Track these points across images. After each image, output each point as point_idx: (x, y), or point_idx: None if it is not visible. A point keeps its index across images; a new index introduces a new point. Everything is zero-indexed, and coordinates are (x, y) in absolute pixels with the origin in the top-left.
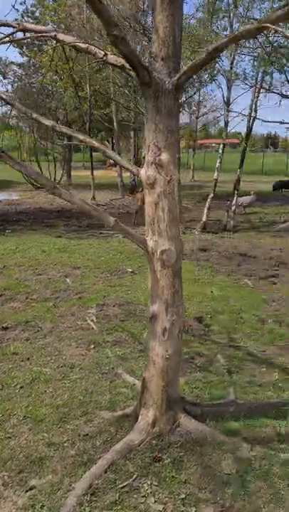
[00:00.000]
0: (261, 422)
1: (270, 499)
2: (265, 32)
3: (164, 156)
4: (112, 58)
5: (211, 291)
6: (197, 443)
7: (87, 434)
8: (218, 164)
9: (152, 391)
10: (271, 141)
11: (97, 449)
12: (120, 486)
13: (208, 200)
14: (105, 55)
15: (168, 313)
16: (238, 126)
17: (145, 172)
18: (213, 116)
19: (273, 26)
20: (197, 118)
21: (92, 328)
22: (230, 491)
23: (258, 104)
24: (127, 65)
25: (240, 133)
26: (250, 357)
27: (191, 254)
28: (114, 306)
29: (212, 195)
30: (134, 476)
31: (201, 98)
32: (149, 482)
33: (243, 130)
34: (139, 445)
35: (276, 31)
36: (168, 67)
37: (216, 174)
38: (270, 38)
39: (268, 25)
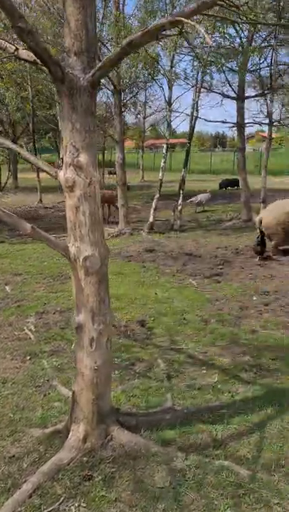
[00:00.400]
0: (198, 428)
1: (202, 511)
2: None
3: (83, 157)
4: (24, 53)
5: (155, 293)
6: (130, 456)
7: (13, 456)
8: (162, 164)
9: (82, 405)
10: (220, 141)
11: (24, 472)
12: (45, 511)
13: (154, 200)
14: (16, 49)
15: (94, 322)
16: (182, 126)
17: (64, 174)
18: (160, 116)
19: (187, 20)
20: (144, 118)
21: (30, 338)
22: (163, 505)
23: (199, 103)
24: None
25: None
26: (190, 359)
27: (137, 255)
28: (54, 313)
29: (158, 195)
30: (62, 498)
31: (146, 98)
32: (76, 504)
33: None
34: (69, 464)
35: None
36: (82, 63)
37: (160, 174)
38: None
39: (182, 18)
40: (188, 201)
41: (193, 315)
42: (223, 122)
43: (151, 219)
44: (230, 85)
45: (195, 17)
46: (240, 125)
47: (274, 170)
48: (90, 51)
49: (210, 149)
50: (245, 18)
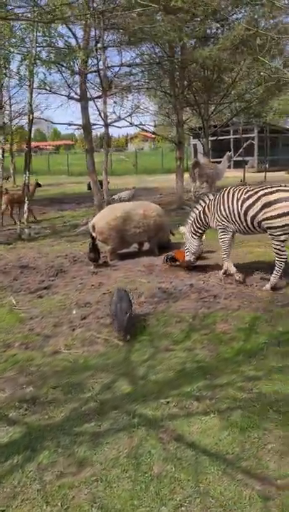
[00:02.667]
0: None
1: None
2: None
3: None
4: None
5: None
6: None
7: None
8: None
9: None
10: (105, 142)
11: None
12: None
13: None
14: None
15: None
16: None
17: None
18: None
19: None
20: (11, 121)
21: None
22: None
23: (33, 104)
24: None
25: (74, 134)
26: None
27: None
28: None
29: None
30: None
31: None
32: None
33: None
34: None
35: None
36: None
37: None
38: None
39: None
40: (110, 199)
41: None
42: (69, 124)
43: None
44: (69, 86)
45: None
46: (84, 126)
47: (150, 169)
48: None
49: (96, 150)
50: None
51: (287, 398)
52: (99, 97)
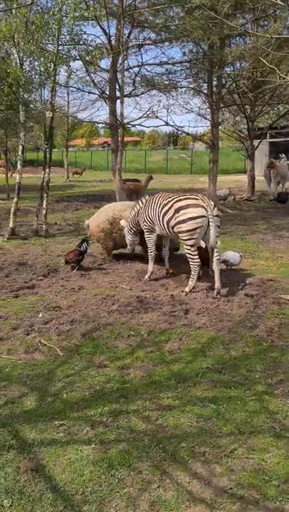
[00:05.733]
0: None
1: None
2: None
3: None
4: None
5: None
6: None
7: None
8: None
9: None
10: (173, 140)
11: None
12: None
13: (13, 204)
14: None
15: None
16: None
17: None
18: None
19: None
20: (68, 117)
21: None
22: None
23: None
24: None
25: (142, 131)
26: None
27: None
28: None
29: (16, 199)
30: None
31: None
32: None
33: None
34: None
35: None
36: None
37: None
38: None
39: None
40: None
41: None
42: (96, 123)
43: (11, 224)
44: (94, 84)
45: None
46: (111, 125)
47: (206, 169)
48: None
49: (162, 148)
50: None
51: (184, 434)
52: (123, 96)
